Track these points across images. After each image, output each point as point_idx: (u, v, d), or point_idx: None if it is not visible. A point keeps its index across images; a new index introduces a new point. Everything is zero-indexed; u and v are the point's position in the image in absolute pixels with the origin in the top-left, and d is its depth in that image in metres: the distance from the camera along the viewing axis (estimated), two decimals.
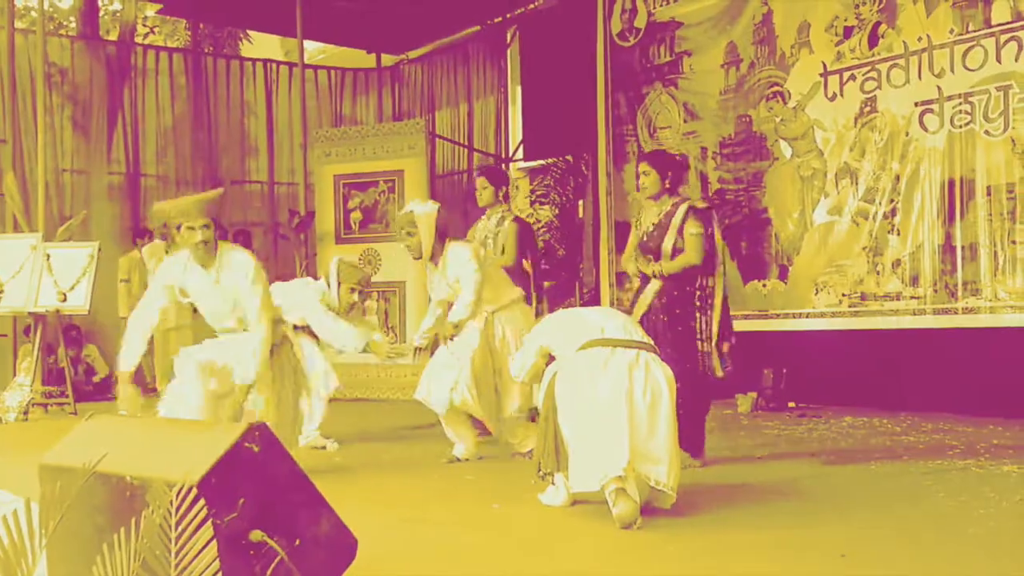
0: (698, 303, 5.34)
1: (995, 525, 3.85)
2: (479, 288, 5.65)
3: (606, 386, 4.06)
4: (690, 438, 5.16)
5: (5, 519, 2.07)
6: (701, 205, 5.52)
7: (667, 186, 5.46)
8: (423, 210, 5.72)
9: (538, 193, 11.51)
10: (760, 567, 3.37)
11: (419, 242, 5.69)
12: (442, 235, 5.72)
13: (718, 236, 5.43)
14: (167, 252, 9.89)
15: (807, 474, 5.08)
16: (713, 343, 5.29)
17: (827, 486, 4.79)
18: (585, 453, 4.04)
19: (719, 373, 5.31)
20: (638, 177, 5.62)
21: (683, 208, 5.37)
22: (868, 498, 4.49)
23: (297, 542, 2.57)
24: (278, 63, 12.69)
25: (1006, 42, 6.79)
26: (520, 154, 11.78)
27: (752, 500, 4.52)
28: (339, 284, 6.35)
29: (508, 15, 11.39)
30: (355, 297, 6.40)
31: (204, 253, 5.00)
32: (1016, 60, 6.73)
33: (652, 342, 4.36)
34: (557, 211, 11.24)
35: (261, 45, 14.28)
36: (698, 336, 5.30)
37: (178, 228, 4.99)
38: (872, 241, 7.55)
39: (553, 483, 4.36)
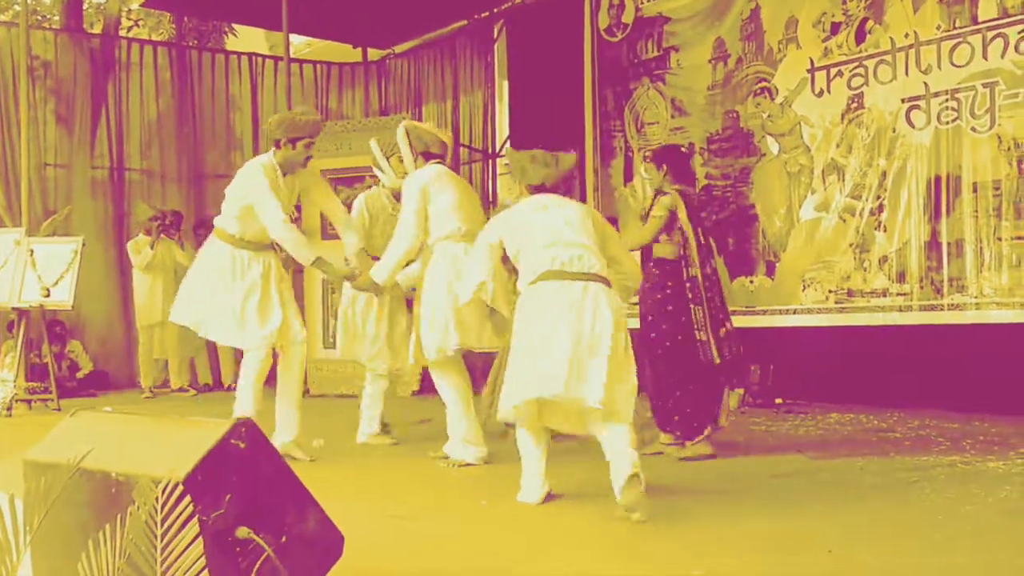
0: (690, 295, 5.50)
1: (981, 521, 3.87)
2: (412, 226, 5.41)
3: (549, 319, 4.15)
4: (684, 417, 5.55)
5: None
6: (670, 189, 5.66)
7: (666, 177, 5.72)
8: (400, 131, 5.71)
9: None
10: (748, 562, 3.37)
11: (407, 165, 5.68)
12: (426, 155, 5.63)
13: (684, 220, 5.55)
14: (151, 247, 9.88)
15: (794, 470, 5.09)
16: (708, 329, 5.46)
17: (814, 482, 4.80)
18: (514, 376, 4.20)
19: (716, 360, 5.47)
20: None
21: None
22: (855, 494, 4.50)
23: (284, 539, 2.55)
24: (263, 57, 12.62)
25: (992, 39, 6.81)
26: (507, 149, 11.76)
27: (740, 496, 4.52)
28: (388, 158, 6.24)
29: (495, 10, 11.35)
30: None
31: (302, 166, 5.68)
32: (1002, 57, 6.75)
33: (603, 273, 4.34)
34: None
35: (246, 39, 14.20)
36: (695, 327, 5.46)
37: (292, 141, 5.56)
38: (859, 237, 7.57)
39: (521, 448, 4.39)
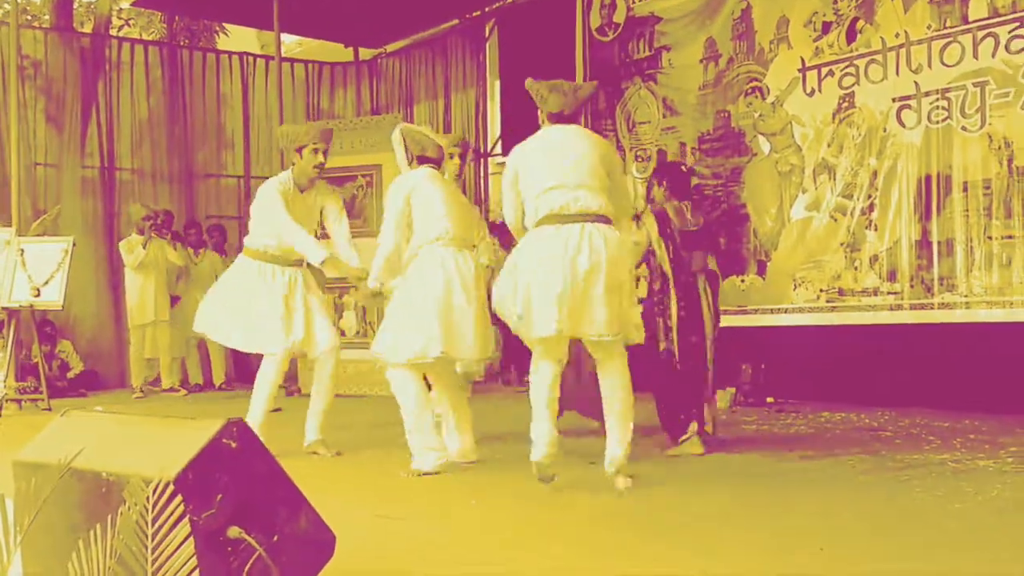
0: (657, 308, 5.75)
1: (972, 519, 3.88)
2: (392, 230, 5.27)
3: (545, 262, 4.44)
4: (669, 418, 5.76)
5: None
6: (644, 210, 5.93)
7: (665, 192, 5.89)
8: (396, 134, 5.53)
9: None
10: (739, 562, 3.37)
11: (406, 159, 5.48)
12: (421, 159, 5.43)
13: (655, 238, 5.73)
14: (144, 247, 9.86)
15: (785, 469, 5.10)
16: (673, 338, 5.65)
17: (805, 480, 4.81)
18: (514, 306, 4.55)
19: (676, 366, 5.65)
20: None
21: None
22: (846, 492, 4.51)
23: (275, 538, 2.55)
24: (255, 56, 12.60)
25: (983, 38, 6.82)
26: (499, 148, 11.76)
27: (731, 495, 4.53)
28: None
29: (487, 9, 11.36)
30: (457, 160, 5.96)
31: (317, 175, 5.81)
32: (993, 56, 6.77)
33: (603, 211, 4.56)
34: None
35: (237, 38, 14.19)
36: (658, 337, 5.69)
37: (299, 150, 5.73)
38: (850, 237, 7.58)
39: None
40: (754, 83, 8.25)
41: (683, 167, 6.35)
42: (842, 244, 7.63)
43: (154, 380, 10.36)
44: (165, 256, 10.05)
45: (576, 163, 4.58)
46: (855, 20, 7.56)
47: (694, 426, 5.60)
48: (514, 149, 4.89)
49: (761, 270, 8.20)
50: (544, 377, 4.57)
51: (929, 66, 7.12)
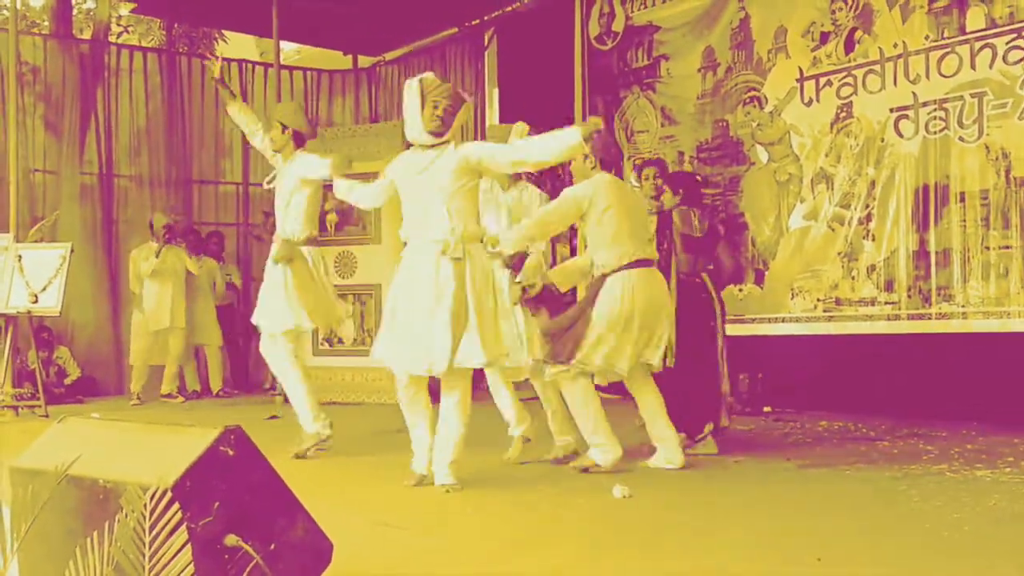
0: None
1: (969, 529, 3.88)
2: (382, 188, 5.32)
3: (628, 303, 5.17)
4: (687, 416, 5.85)
5: None
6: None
7: (678, 200, 6.10)
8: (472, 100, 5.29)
9: None
10: (736, 570, 3.37)
11: (449, 124, 4.81)
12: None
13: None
14: (156, 255, 9.85)
15: (782, 478, 5.10)
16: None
17: (802, 490, 4.81)
18: (600, 342, 5.19)
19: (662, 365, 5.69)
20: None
21: None
22: (843, 502, 4.51)
23: (272, 546, 2.55)
24: (253, 63, 12.59)
25: (980, 49, 6.84)
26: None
27: (728, 503, 4.53)
28: None
29: (486, 17, 11.37)
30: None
31: (279, 147, 6.27)
32: (990, 67, 6.79)
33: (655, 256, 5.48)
34: None
35: (236, 45, 14.18)
36: None
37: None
38: (847, 246, 7.59)
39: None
40: (752, 92, 8.27)
41: (698, 178, 6.62)
42: (840, 254, 7.64)
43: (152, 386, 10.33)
44: (183, 263, 10.06)
45: (642, 221, 5.46)
46: (853, 30, 7.59)
47: (709, 427, 5.67)
48: (594, 182, 5.30)
49: (759, 279, 8.21)
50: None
51: (927, 76, 7.14)
